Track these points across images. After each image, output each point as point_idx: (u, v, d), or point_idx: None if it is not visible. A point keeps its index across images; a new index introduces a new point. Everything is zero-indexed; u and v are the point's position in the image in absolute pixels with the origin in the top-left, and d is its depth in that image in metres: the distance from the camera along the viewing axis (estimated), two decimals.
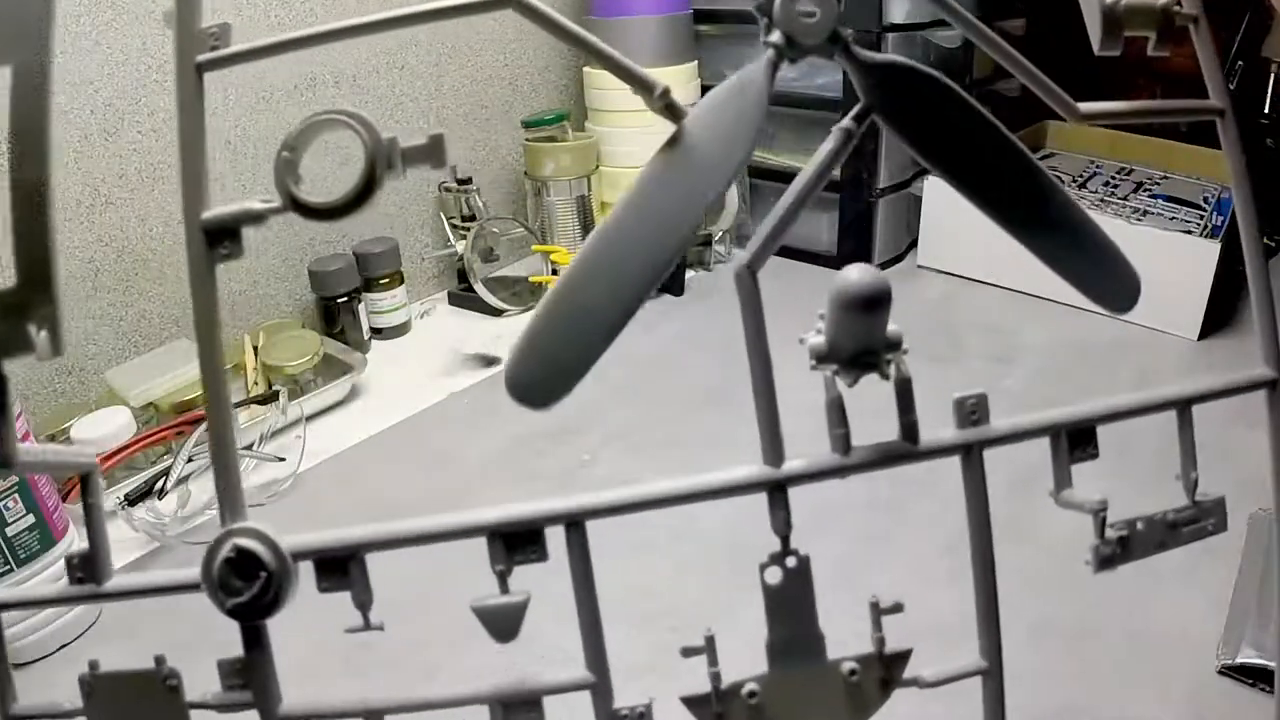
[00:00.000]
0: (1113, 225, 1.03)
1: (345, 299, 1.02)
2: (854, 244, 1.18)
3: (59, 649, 0.61)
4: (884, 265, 1.20)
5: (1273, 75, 1.26)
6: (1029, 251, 0.24)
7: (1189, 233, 1.02)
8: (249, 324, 1.02)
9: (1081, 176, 1.23)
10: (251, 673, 0.23)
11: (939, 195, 1.16)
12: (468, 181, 1.16)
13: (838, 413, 0.23)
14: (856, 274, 0.20)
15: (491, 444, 0.85)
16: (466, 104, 1.19)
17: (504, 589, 0.23)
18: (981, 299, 1.11)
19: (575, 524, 0.23)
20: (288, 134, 0.20)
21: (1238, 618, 0.58)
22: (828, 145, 0.23)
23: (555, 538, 0.25)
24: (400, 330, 1.10)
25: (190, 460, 0.76)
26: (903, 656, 0.25)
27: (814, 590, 0.24)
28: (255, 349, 0.95)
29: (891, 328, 0.22)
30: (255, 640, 0.23)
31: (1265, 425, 0.85)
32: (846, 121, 0.23)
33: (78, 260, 0.86)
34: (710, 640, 0.24)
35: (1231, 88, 1.34)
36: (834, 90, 1.15)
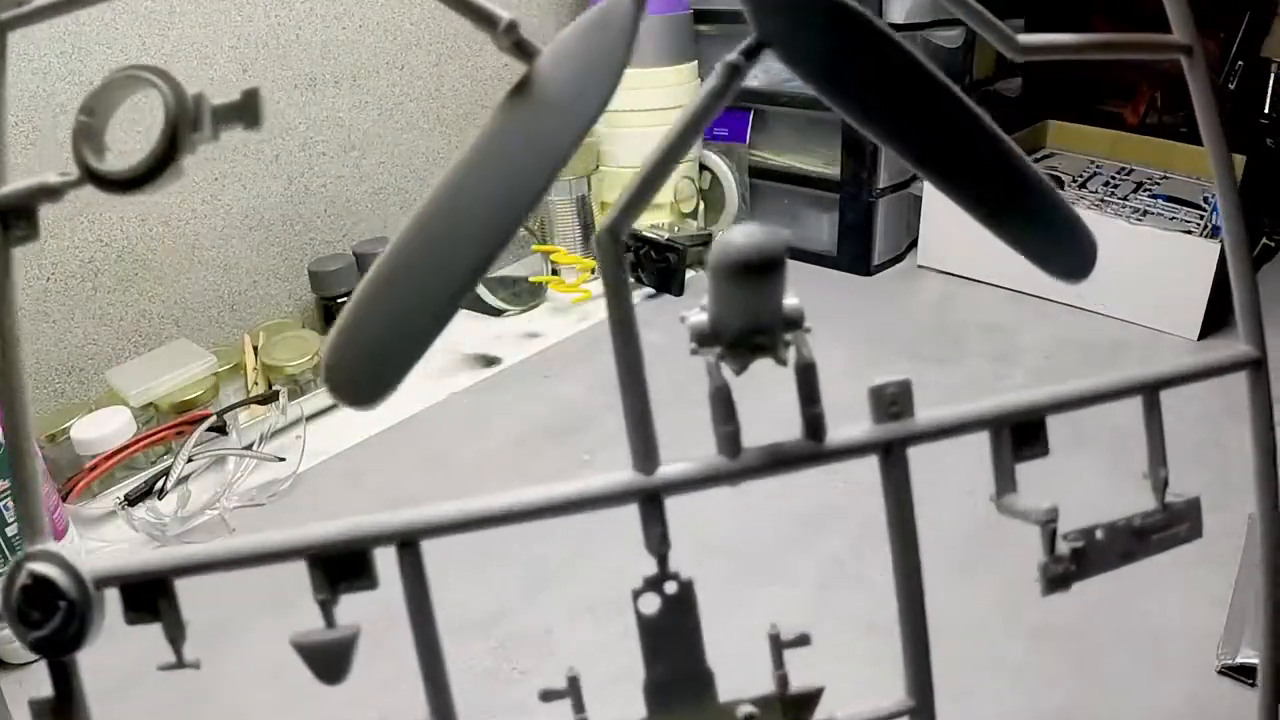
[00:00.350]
0: (1113, 225, 1.03)
1: (345, 299, 1.02)
2: (854, 244, 1.18)
3: None
4: (884, 265, 1.21)
5: (1273, 75, 1.26)
6: (964, 210, 0.20)
7: (1189, 233, 1.02)
8: (249, 324, 1.02)
9: (1081, 176, 1.23)
10: (62, 715, 0.20)
11: (939, 195, 1.16)
12: None
13: (723, 406, 0.19)
14: (741, 235, 0.17)
15: (491, 444, 0.85)
16: (466, 104, 1.19)
17: (329, 621, 0.19)
18: (981, 299, 1.11)
19: (408, 544, 0.20)
20: (87, 95, 0.18)
21: (1237, 618, 0.58)
22: (709, 83, 0.19)
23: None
24: None
25: (190, 460, 0.77)
26: (812, 697, 0.21)
27: (699, 620, 0.20)
28: (255, 349, 0.95)
29: (791, 301, 0.19)
30: (63, 678, 0.20)
31: None
32: (733, 56, 0.19)
33: (78, 260, 0.86)
34: (574, 681, 0.20)
35: (1231, 88, 1.33)
36: None
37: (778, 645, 0.21)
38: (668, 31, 1.15)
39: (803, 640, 0.20)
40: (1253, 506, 0.71)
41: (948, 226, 1.14)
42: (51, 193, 0.18)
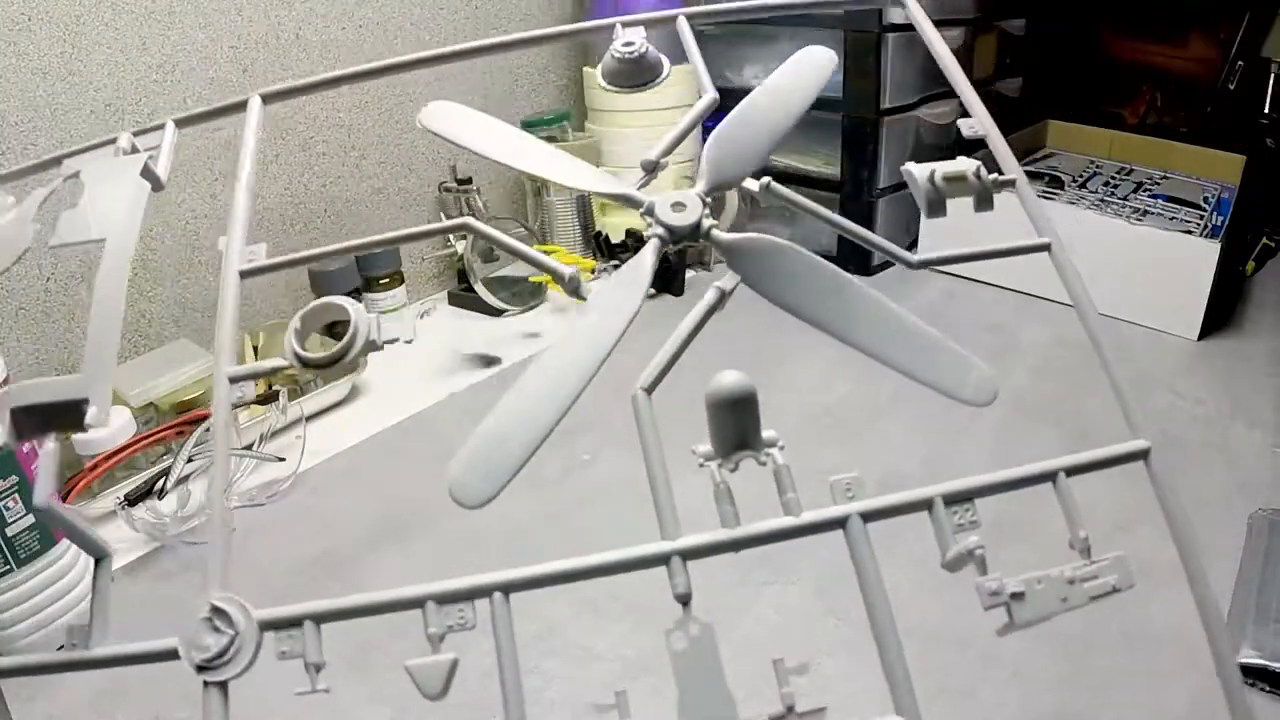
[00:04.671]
0: (1113, 225, 1.03)
1: (345, 298, 1.02)
2: (853, 244, 1.18)
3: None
4: (884, 265, 1.21)
5: (1273, 75, 1.26)
6: (888, 366, 0.30)
7: (1189, 233, 1.02)
8: (249, 324, 1.02)
9: (1081, 176, 1.23)
10: None
11: None
12: (468, 181, 1.16)
13: (725, 495, 0.27)
14: (727, 379, 0.25)
15: None
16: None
17: (436, 650, 0.26)
18: (981, 299, 1.11)
19: (504, 594, 0.27)
20: (302, 313, 0.30)
21: (1238, 618, 0.58)
22: (707, 299, 0.30)
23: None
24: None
25: (190, 460, 0.76)
26: (815, 714, 0.25)
27: (719, 655, 0.25)
28: (255, 349, 0.95)
29: (769, 433, 0.27)
30: (217, 698, 0.24)
31: (1266, 425, 0.85)
32: (722, 282, 0.30)
33: (78, 260, 0.86)
34: (621, 695, 0.25)
35: (1231, 88, 1.33)
36: (833, 90, 1.15)
37: (782, 670, 0.26)
38: (668, 31, 1.15)
39: (802, 669, 0.26)
40: (1254, 507, 0.71)
41: (947, 227, 1.14)
42: (278, 369, 0.29)
